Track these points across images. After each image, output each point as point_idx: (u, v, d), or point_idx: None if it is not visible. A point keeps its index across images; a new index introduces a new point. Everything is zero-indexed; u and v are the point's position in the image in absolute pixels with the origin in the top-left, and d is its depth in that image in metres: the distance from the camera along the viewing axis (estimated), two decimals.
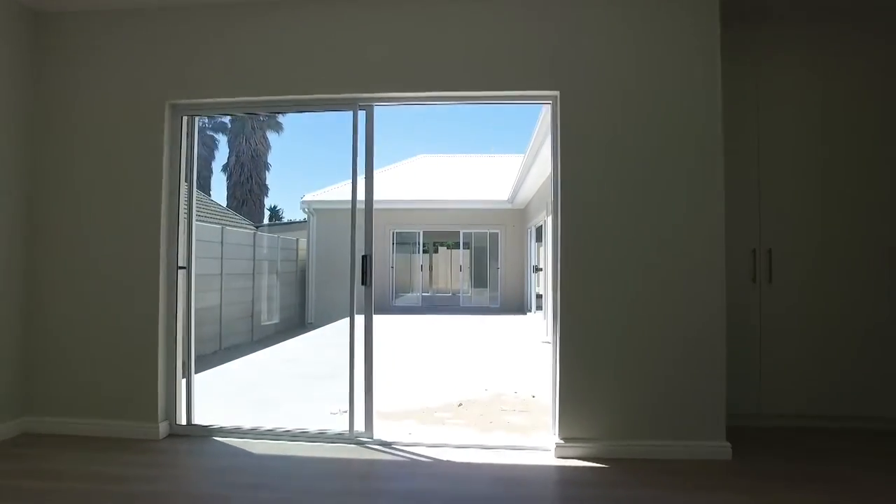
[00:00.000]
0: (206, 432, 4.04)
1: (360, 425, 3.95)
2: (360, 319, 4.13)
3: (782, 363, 4.16)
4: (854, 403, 4.10)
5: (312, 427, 4.09)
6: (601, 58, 3.70)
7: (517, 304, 16.40)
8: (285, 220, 22.47)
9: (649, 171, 3.65)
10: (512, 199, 15.57)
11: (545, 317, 11.53)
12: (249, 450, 3.75)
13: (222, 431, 4.04)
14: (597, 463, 3.49)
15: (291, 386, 6.44)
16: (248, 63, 3.95)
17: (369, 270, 3.89)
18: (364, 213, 4.08)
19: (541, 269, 14.39)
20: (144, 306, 4.03)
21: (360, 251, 4.03)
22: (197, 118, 4.34)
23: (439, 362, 7.77)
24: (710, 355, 3.57)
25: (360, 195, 4.06)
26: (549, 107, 3.95)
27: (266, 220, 31.52)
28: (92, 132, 4.04)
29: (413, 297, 17.40)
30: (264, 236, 14.69)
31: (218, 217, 17.56)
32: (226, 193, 31.73)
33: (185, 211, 4.23)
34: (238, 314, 12.79)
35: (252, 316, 13.50)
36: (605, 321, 3.66)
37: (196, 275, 4.24)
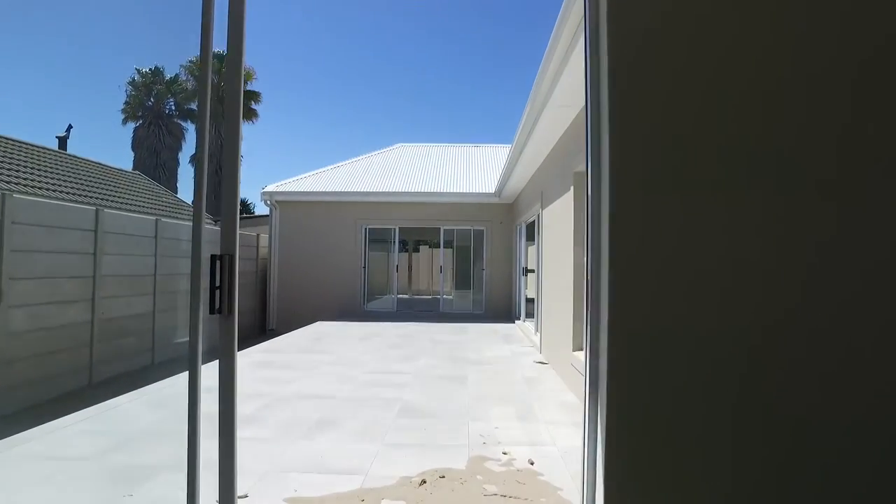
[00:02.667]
0: None
1: None
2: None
3: None
4: None
5: None
6: None
7: (504, 310, 14.69)
8: (257, 214, 20.50)
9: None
10: (499, 192, 13.85)
11: (537, 329, 9.82)
12: None
13: None
14: None
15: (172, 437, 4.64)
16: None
17: (228, 284, 2.11)
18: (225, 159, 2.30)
19: (532, 271, 12.70)
20: None
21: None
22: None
23: (400, 398, 6.01)
24: None
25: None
26: None
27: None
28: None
29: (387, 301, 15.61)
30: (215, 231, 12.76)
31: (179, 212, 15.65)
32: (192, 186, 29.65)
33: None
34: (178, 321, 10.91)
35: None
36: (704, 377, 1.93)
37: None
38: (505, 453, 4.07)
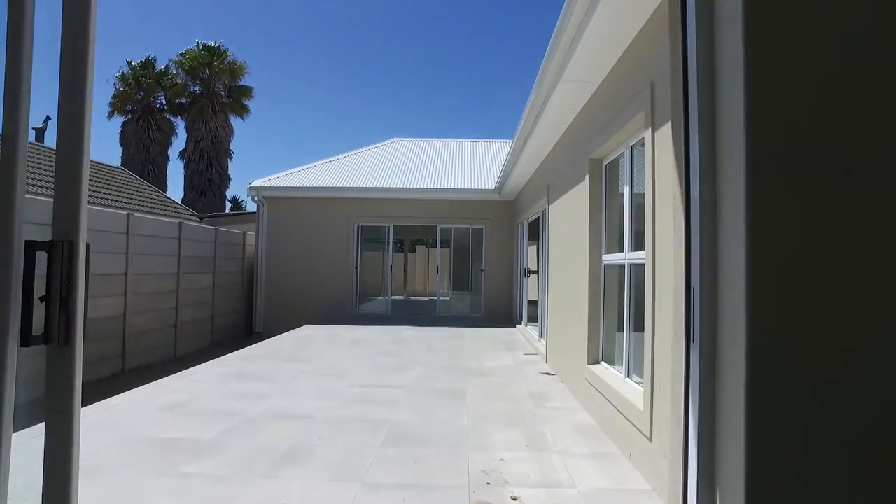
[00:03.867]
0: None
1: None
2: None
3: None
4: None
5: None
6: None
7: (504, 314, 13.89)
8: (247, 211, 19.62)
9: None
10: (500, 189, 13.06)
11: (541, 334, 9.04)
12: None
13: None
14: None
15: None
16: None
17: (66, 293, 1.22)
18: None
19: (534, 273, 11.92)
20: None
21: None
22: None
23: (389, 419, 5.22)
24: None
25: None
26: None
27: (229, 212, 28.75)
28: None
29: (381, 303, 14.79)
30: (196, 228, 11.97)
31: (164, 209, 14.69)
32: (182, 183, 28.84)
33: None
34: (154, 324, 10.10)
35: (176, 326, 10.82)
36: None
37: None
38: (514, 499, 3.27)
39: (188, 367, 7.38)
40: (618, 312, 5.21)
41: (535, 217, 10.59)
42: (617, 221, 5.30)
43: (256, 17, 71.65)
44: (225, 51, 29.44)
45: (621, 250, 4.79)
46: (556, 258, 7.42)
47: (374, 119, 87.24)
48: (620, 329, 5.17)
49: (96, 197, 12.69)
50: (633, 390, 4.22)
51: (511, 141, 8.86)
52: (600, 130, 5.01)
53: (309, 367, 7.43)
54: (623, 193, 4.67)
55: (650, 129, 3.61)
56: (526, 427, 4.83)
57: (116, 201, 13.29)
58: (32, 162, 12.77)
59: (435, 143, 17.95)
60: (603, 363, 5.30)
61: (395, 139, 17.96)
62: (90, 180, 13.09)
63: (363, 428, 4.71)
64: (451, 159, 16.29)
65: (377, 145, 17.36)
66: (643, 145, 4.08)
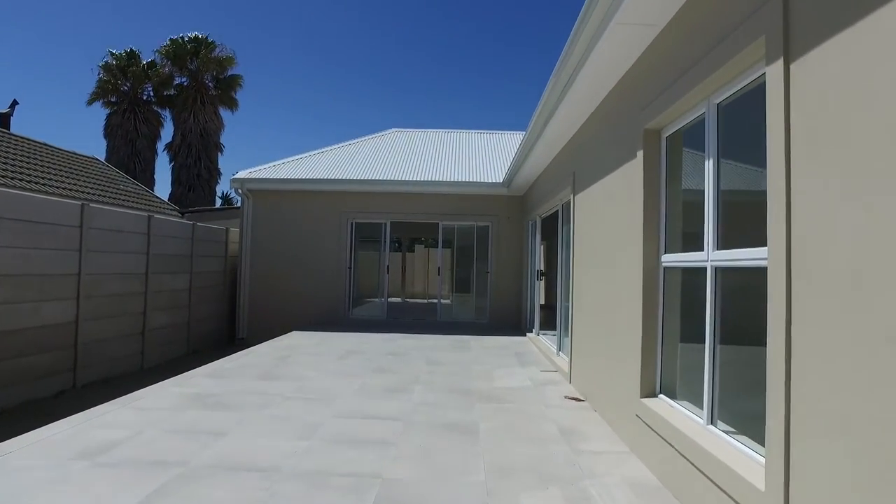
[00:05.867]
0: None
1: None
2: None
3: None
4: None
5: None
6: None
7: (511, 320, 12.62)
8: (234, 206, 18.21)
9: None
10: (509, 182, 11.80)
11: (560, 348, 7.79)
12: None
13: None
14: None
15: None
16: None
17: None
18: None
19: (545, 275, 10.66)
20: None
21: None
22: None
23: (379, 473, 3.97)
24: None
25: None
26: None
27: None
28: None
29: (377, 306, 13.50)
30: (169, 222, 10.68)
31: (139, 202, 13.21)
32: (170, 178, 27.54)
33: None
34: (115, 332, 8.82)
35: (143, 333, 9.53)
36: None
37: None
38: None
39: (141, 388, 6.09)
40: (689, 331, 3.96)
41: (551, 212, 9.32)
42: (683, 212, 4.04)
43: (248, 11, 70.27)
44: (212, 42, 28.13)
45: (697, 248, 3.52)
46: (587, 258, 6.16)
47: (375, 117, 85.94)
48: (690, 353, 3.93)
49: (54, 188, 11.38)
50: (729, 449, 2.96)
51: (521, 132, 7.60)
52: (667, 87, 3.75)
53: (287, 388, 6.15)
54: (706, 171, 3.40)
55: (781, 58, 2.35)
56: (564, 485, 3.56)
57: (81, 193, 11.98)
58: (3, 152, 11.48)
59: (436, 133, 16.67)
60: (662, 396, 4.04)
61: (394, 129, 16.66)
62: (40, 168, 11.68)
63: (344, 489, 3.44)
64: (453, 152, 15.01)
65: (374, 136, 16.06)
66: (742, 96, 2.83)
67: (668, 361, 4.08)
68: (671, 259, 4.00)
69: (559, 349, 7.93)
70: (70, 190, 11.72)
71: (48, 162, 12.99)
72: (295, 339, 10.22)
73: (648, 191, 4.18)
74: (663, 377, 4.09)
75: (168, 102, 28.16)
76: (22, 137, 13.56)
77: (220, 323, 12.59)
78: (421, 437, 4.52)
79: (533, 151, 8.14)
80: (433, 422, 4.98)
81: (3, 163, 10.93)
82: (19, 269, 6.82)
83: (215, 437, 4.38)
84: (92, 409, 5.14)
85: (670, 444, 3.49)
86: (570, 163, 7.28)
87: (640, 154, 4.29)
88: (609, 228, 5.20)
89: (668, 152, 4.11)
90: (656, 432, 3.73)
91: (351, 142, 15.41)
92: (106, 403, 5.33)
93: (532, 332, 10.76)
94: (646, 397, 4.10)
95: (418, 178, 12.74)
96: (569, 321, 6.97)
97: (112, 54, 27.59)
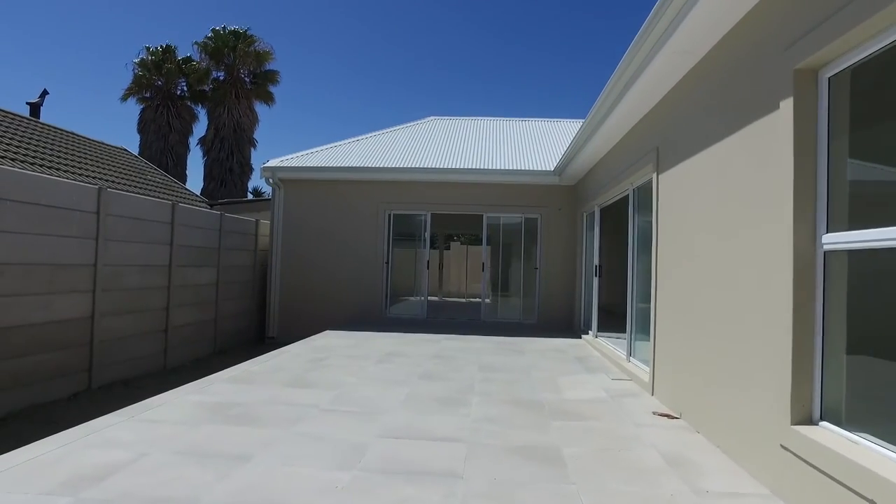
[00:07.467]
0: None
1: None
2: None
3: None
4: None
5: None
6: None
7: (563, 320, 11.57)
8: (264, 198, 17.41)
9: None
10: (561, 170, 10.76)
11: (631, 352, 6.77)
12: None
13: None
14: None
15: None
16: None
17: None
18: None
19: (601, 273, 9.62)
20: None
21: None
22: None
23: None
24: None
25: None
26: None
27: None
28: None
29: (416, 305, 12.57)
30: (195, 211, 9.95)
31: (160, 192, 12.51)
32: (202, 173, 27.17)
33: None
34: (136, 329, 8.10)
35: (166, 331, 8.80)
36: None
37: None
38: None
39: (157, 393, 5.28)
40: (861, 338, 2.93)
41: (614, 200, 8.28)
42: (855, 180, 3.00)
43: (290, 4, 70.21)
44: (252, 35, 27.71)
45: (883, 222, 2.49)
46: (679, 249, 5.11)
47: (416, 111, 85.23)
48: (863, 368, 2.90)
49: (77, 174, 10.77)
50: None
51: (579, 120, 6.53)
52: (840, 7, 2.72)
53: (322, 398, 5.26)
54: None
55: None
56: None
57: (106, 181, 11.35)
58: (27, 138, 10.96)
59: (478, 121, 15.69)
60: (826, 423, 3.00)
61: (432, 117, 15.75)
62: (65, 155, 11.07)
63: None
64: (496, 140, 13.99)
65: (411, 124, 15.17)
66: None
67: (832, 379, 3.04)
68: (838, 239, 2.96)
69: (630, 354, 6.88)
70: (94, 178, 11.11)
71: (73, 150, 12.45)
72: (329, 338, 9.37)
73: (801, 150, 3.14)
74: (825, 398, 3.04)
75: (201, 97, 27.82)
76: (49, 125, 13.07)
77: (248, 321, 11.84)
78: (493, 466, 3.57)
79: (602, 127, 7.07)
80: (503, 444, 4.02)
81: (27, 148, 10.37)
82: (26, 258, 6.09)
83: (235, 464, 3.49)
84: (94, 420, 4.32)
85: (857, 493, 2.48)
86: (648, 137, 6.22)
87: (784, 105, 3.25)
88: (721, 209, 4.16)
89: (834, 99, 3.07)
90: (828, 475, 2.71)
91: (386, 130, 14.54)
92: (111, 414, 4.50)
93: (588, 333, 9.70)
94: (799, 424, 3.07)
95: (461, 166, 11.78)
96: (648, 323, 5.92)
97: (148, 49, 27.39)
